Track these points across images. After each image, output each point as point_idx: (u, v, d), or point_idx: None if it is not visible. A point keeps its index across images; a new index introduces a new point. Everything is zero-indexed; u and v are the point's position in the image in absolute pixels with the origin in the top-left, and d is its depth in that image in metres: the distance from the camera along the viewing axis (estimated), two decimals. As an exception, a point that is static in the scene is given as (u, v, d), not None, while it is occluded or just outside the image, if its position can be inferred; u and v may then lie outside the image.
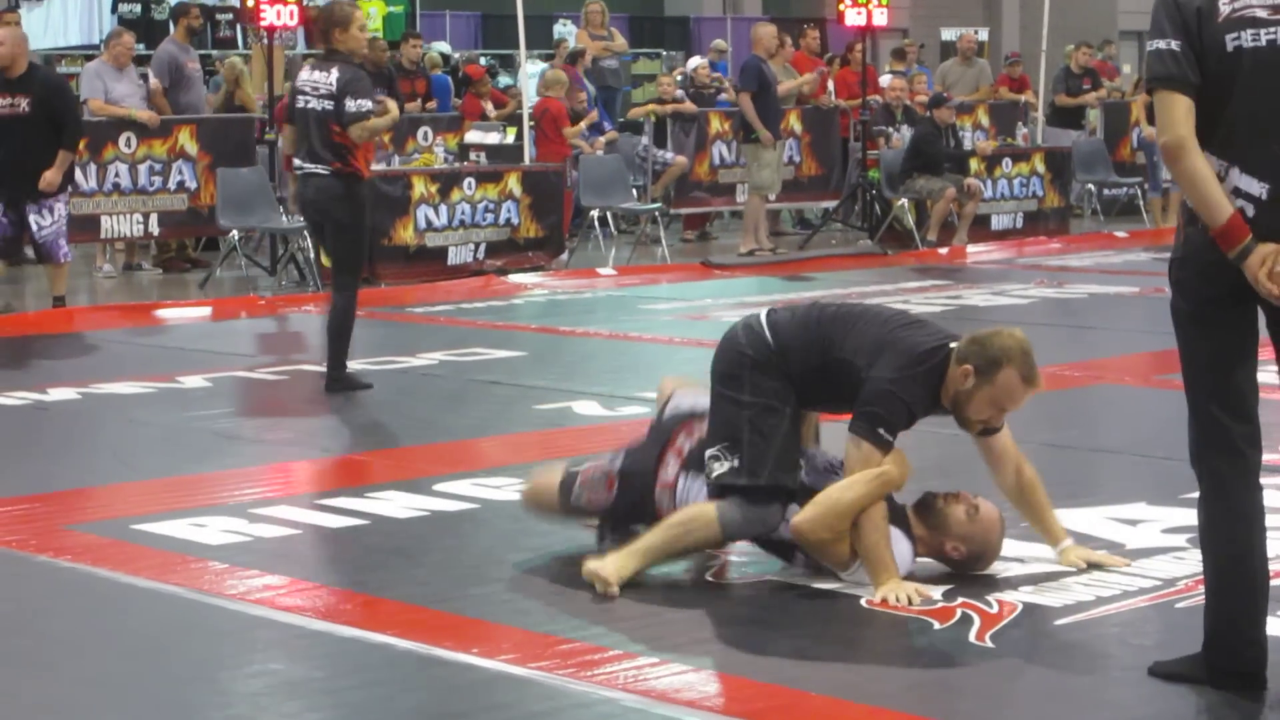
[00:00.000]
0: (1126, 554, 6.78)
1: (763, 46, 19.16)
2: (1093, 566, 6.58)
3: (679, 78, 22.71)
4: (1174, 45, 5.07)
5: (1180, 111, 5.06)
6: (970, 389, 6.30)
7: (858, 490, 6.23)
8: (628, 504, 6.70)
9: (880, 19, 20.93)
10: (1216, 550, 5.23)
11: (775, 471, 6.38)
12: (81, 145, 16.56)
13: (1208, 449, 5.20)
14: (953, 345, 6.37)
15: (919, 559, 6.48)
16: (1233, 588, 5.20)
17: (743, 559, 6.77)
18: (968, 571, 6.48)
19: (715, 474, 6.43)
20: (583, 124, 19.91)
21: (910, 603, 6.11)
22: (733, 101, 23.16)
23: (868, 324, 6.46)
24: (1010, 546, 6.67)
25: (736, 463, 6.40)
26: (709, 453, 6.48)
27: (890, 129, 21.12)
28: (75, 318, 14.40)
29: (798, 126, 21.70)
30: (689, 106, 21.12)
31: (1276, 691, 5.25)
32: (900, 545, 6.38)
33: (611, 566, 6.41)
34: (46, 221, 14.39)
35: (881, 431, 6.25)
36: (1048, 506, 6.70)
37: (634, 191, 20.04)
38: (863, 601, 6.24)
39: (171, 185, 17.42)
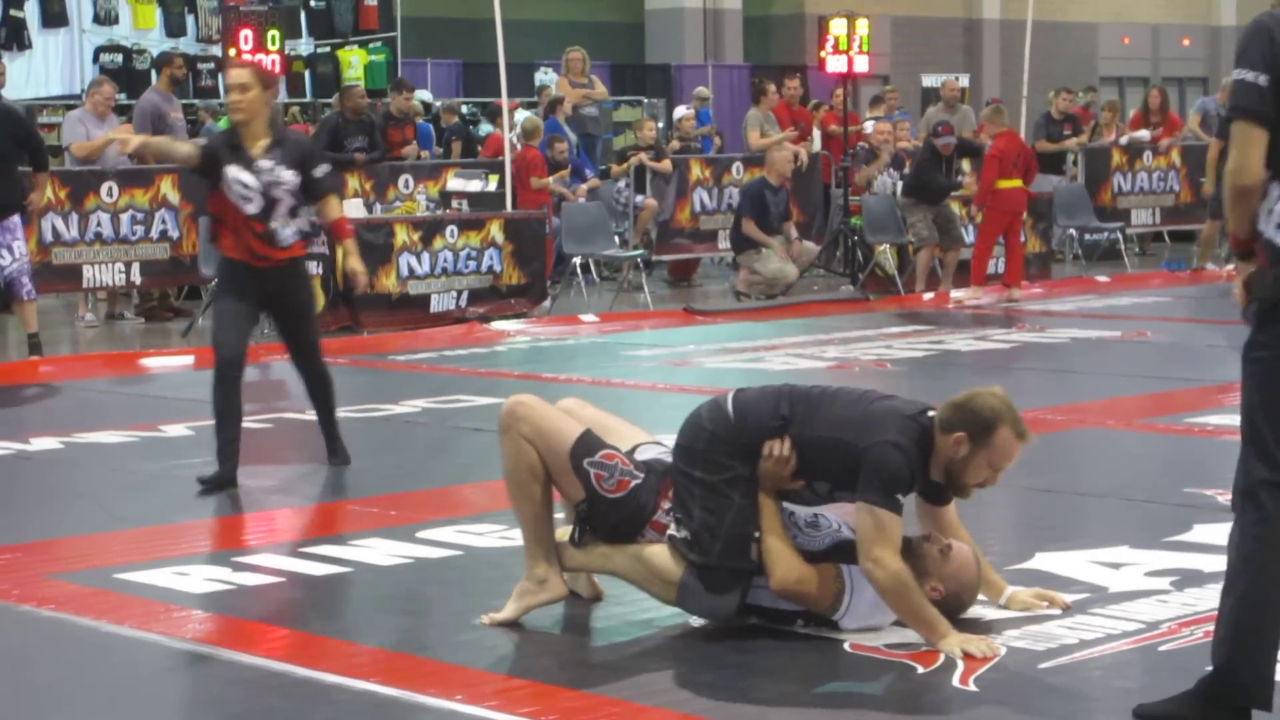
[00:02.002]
0: (1109, 598, 6.79)
1: (776, 171, 19.13)
2: (1052, 605, 6.62)
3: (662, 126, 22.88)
4: (1261, 80, 5.12)
5: (1259, 150, 5.14)
6: (966, 455, 6.30)
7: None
8: (618, 519, 6.59)
9: (861, 66, 21.02)
10: (1248, 584, 5.20)
11: (724, 555, 6.36)
12: (63, 195, 16.63)
13: (1261, 486, 5.17)
14: (930, 413, 6.39)
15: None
16: (1258, 623, 5.19)
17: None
18: (949, 614, 6.45)
19: (669, 534, 6.47)
20: (550, 178, 19.92)
21: (986, 653, 6.05)
22: (717, 147, 23.29)
23: (844, 403, 6.44)
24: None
25: (689, 535, 6.41)
26: (673, 514, 6.50)
27: (875, 172, 21.17)
28: (57, 367, 14.38)
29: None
30: (665, 165, 21.16)
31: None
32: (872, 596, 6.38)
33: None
34: (6, 261, 14.34)
35: (898, 496, 6.22)
36: (987, 565, 6.73)
37: (616, 238, 20.08)
38: (846, 646, 6.24)
39: (154, 234, 17.45)
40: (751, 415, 6.46)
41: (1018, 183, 18.89)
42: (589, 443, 6.58)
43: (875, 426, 6.28)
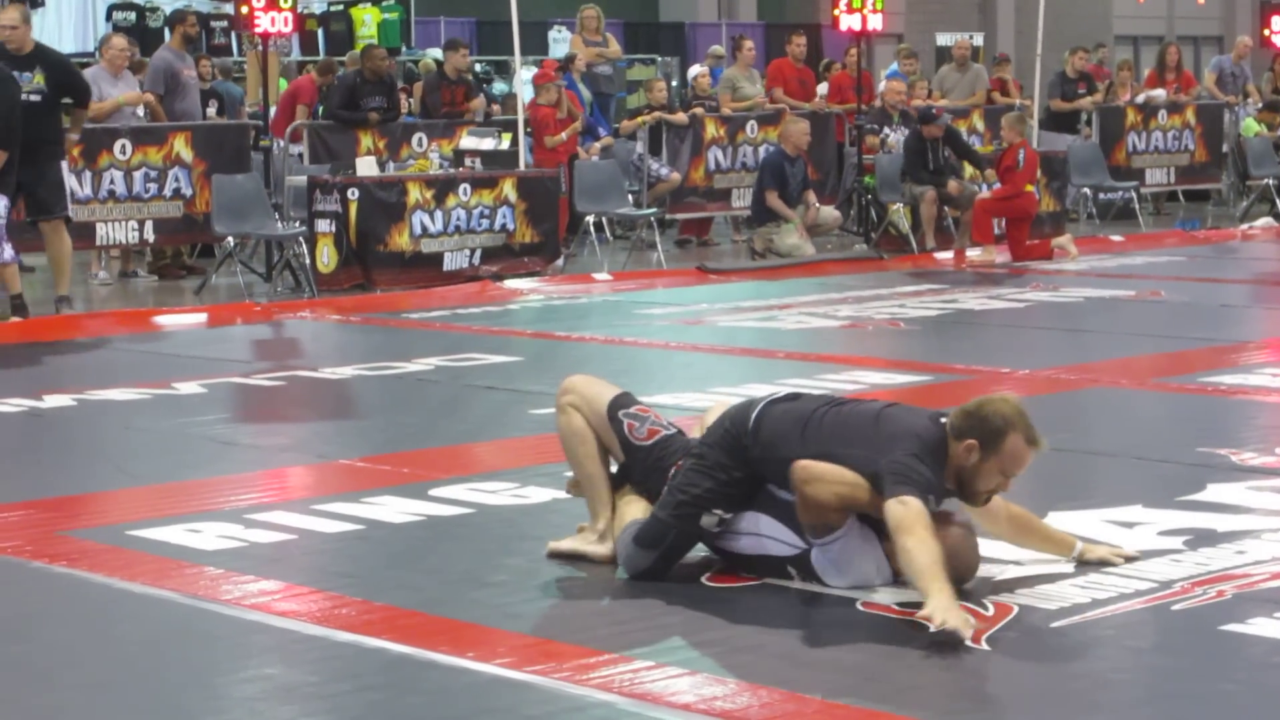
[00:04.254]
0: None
1: (791, 143, 19.05)
2: (1117, 558, 6.65)
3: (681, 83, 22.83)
4: None
5: None
6: (976, 462, 6.27)
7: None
8: (647, 466, 6.74)
9: (875, 24, 20.94)
10: None
11: (673, 515, 6.53)
12: (77, 153, 16.61)
13: None
14: (944, 419, 6.37)
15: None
16: None
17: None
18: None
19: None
20: (563, 133, 19.86)
21: (959, 631, 5.80)
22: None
23: (858, 423, 6.40)
24: (1005, 549, 6.69)
25: (666, 493, 6.63)
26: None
27: (887, 130, 21.11)
28: (70, 325, 14.39)
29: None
30: (680, 118, 21.11)
31: None
32: (873, 556, 6.38)
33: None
34: None
35: (930, 497, 6.17)
36: (1046, 525, 6.77)
37: (630, 197, 20.04)
38: (858, 605, 6.24)
39: (167, 192, 17.44)
40: (766, 432, 6.49)
41: (1031, 188, 18.94)
42: (626, 399, 6.87)
43: (888, 446, 6.25)
